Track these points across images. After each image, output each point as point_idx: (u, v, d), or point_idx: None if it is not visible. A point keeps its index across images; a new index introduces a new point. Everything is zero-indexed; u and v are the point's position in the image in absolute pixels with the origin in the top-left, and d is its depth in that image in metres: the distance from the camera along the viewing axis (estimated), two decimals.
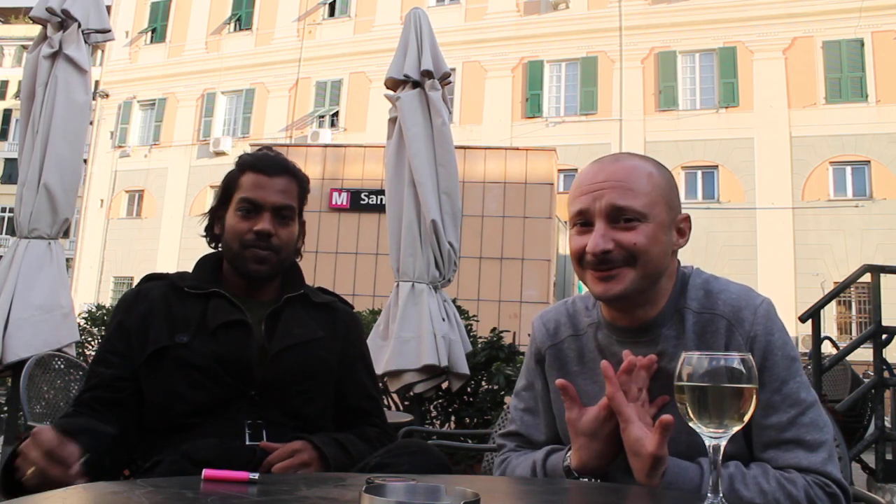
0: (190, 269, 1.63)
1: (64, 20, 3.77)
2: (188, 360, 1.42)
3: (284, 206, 1.55)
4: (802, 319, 4.69)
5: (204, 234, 1.64)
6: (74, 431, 1.19)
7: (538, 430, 1.37)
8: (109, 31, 3.92)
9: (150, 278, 1.60)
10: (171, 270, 1.67)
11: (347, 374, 1.61)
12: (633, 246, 1.17)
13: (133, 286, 1.61)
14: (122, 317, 1.51)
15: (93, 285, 22.31)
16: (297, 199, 1.59)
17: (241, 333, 1.47)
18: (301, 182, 1.61)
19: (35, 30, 3.96)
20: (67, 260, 18.43)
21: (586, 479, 1.20)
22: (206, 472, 1.04)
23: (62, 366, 2.73)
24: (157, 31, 24.39)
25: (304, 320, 1.56)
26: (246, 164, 1.58)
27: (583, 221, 1.21)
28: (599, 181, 1.19)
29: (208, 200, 22.25)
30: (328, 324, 1.61)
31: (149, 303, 1.50)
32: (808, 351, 5.55)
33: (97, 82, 22.18)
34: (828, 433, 1.17)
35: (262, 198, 1.53)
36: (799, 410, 1.16)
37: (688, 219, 1.26)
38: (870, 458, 4.40)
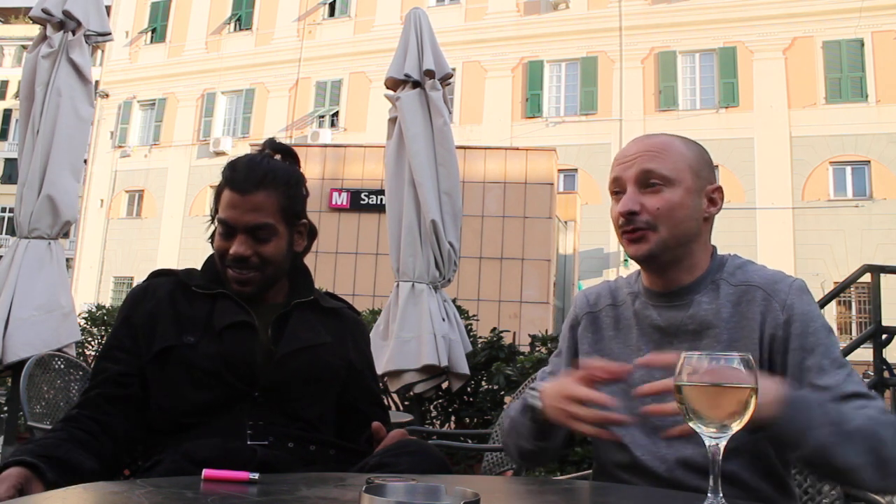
0: (194, 267, 1.61)
1: (63, 21, 3.76)
2: (194, 361, 1.42)
3: (258, 225, 1.46)
4: None
5: (210, 239, 1.63)
6: (50, 461, 1.23)
7: None
8: (109, 33, 3.92)
9: (159, 274, 1.59)
10: (175, 268, 1.66)
11: (356, 380, 1.60)
12: (655, 210, 1.27)
13: (138, 283, 1.60)
14: (129, 312, 1.50)
15: (93, 285, 22.30)
16: (279, 211, 1.48)
17: (246, 335, 1.47)
18: (286, 188, 1.50)
19: (35, 30, 3.96)
20: (67, 260, 18.42)
21: (531, 402, 1.25)
22: (206, 472, 1.04)
23: (62, 366, 2.73)
24: (157, 31, 24.39)
25: (312, 324, 1.55)
26: (225, 178, 1.50)
27: (618, 190, 1.32)
28: (632, 153, 1.31)
29: (208, 200, 22.24)
30: (336, 329, 1.60)
31: (156, 300, 1.49)
32: None
33: (97, 82, 22.17)
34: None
35: (234, 219, 1.46)
36: (848, 372, 1.21)
37: (719, 189, 1.35)
38: None
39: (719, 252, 1.37)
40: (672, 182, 1.27)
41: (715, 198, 1.33)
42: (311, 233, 1.64)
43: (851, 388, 1.18)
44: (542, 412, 1.23)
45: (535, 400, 1.25)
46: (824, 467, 1.11)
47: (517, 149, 11.77)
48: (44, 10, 3.72)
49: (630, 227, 1.28)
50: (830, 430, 1.08)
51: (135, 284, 1.60)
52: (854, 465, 1.09)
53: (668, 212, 1.26)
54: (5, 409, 4.31)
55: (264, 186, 1.47)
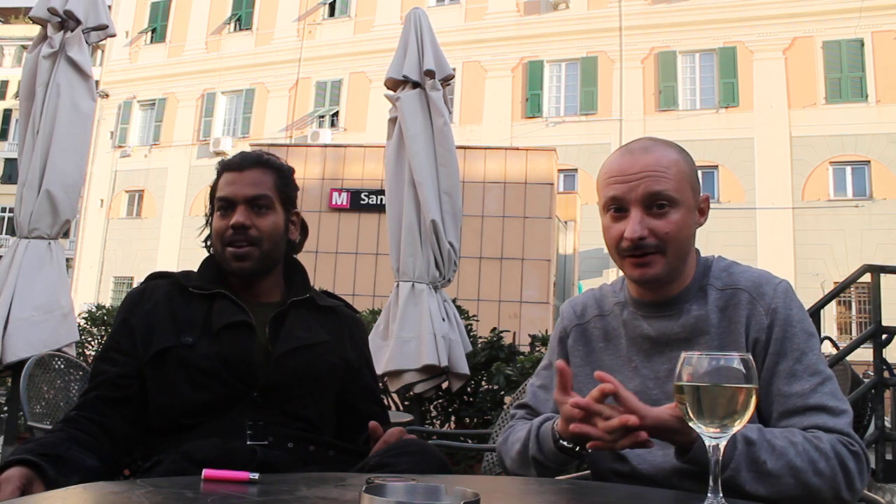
0: (191, 269, 1.62)
1: (64, 20, 3.76)
2: (192, 362, 1.42)
3: (257, 195, 1.53)
4: None
5: (204, 243, 1.64)
6: (51, 459, 1.22)
7: (547, 405, 1.43)
8: (108, 26, 3.90)
9: (156, 276, 1.60)
10: (172, 270, 1.67)
11: (355, 379, 1.60)
12: (665, 235, 1.25)
13: (136, 284, 1.61)
14: (126, 315, 1.51)
15: (93, 285, 22.30)
16: (275, 188, 1.56)
17: (245, 335, 1.47)
18: (279, 171, 1.59)
19: (35, 30, 3.96)
20: (67, 260, 18.43)
21: (569, 445, 1.23)
22: (206, 472, 1.04)
23: (62, 366, 2.73)
24: (157, 31, 24.39)
25: (309, 324, 1.55)
26: (221, 166, 1.59)
27: (617, 207, 1.28)
28: (635, 172, 1.27)
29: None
30: (333, 328, 1.60)
31: (154, 302, 1.50)
32: None
33: (97, 82, 22.16)
34: (847, 405, 1.20)
35: (233, 193, 1.53)
36: (819, 380, 1.20)
37: (707, 199, 1.35)
38: (870, 457, 4.40)
39: (713, 253, 1.37)
40: (677, 203, 1.26)
41: (704, 208, 1.34)
42: (304, 228, 1.67)
43: (817, 400, 1.18)
44: (564, 444, 1.23)
45: (557, 433, 1.24)
46: (734, 494, 1.10)
47: (517, 149, 11.76)
48: (49, 10, 3.72)
49: (638, 252, 1.26)
50: (744, 467, 1.09)
51: (135, 285, 1.62)
52: (765, 494, 1.10)
53: (675, 234, 1.26)
54: (5, 409, 4.31)
55: (260, 165, 1.58)
